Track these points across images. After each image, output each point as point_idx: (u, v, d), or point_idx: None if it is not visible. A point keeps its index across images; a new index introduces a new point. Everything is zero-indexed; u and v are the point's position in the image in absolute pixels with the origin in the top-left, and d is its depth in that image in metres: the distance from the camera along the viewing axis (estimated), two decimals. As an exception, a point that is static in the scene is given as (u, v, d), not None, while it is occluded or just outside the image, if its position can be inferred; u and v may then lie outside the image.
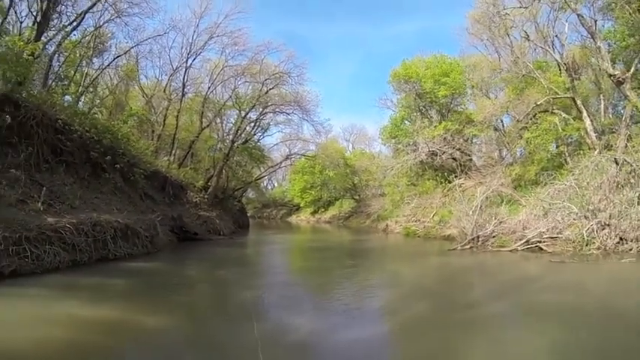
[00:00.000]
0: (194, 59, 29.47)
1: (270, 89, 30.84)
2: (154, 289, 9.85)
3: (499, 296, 8.94)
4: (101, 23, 20.68)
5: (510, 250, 15.00)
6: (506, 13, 23.04)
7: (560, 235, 14.58)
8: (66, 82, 19.91)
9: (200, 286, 10.91)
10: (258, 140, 36.29)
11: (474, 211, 17.32)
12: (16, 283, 8.72)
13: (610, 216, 13.93)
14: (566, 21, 22.76)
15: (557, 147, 22.64)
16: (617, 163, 15.29)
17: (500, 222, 16.72)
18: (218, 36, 28.94)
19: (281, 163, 42.97)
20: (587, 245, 13.66)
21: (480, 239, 16.30)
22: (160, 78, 31.01)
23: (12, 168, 11.87)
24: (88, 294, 8.69)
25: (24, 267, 9.41)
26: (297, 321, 7.08)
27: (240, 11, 29.07)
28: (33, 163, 12.85)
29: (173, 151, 29.39)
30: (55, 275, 9.77)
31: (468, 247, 16.27)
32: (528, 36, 23.39)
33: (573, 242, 14.03)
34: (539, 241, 14.77)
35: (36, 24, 16.28)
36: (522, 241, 15.06)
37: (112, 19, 20.75)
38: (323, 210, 53.44)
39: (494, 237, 16.27)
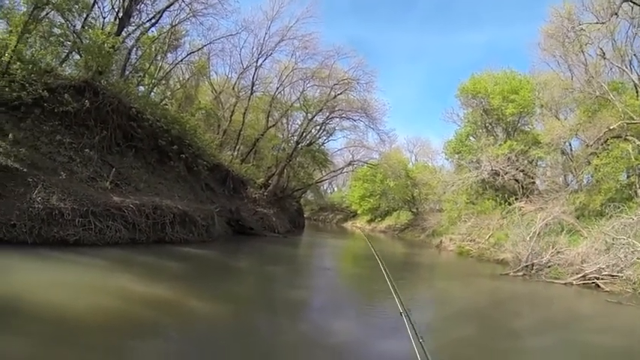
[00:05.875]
0: (264, 60, 30.07)
1: (338, 94, 30.98)
2: (204, 275, 10.28)
3: (546, 330, 8.45)
4: (177, 22, 21.85)
5: (565, 283, 13.94)
6: (582, 29, 21.35)
7: (620, 274, 13.25)
8: (141, 74, 21.14)
9: (249, 278, 11.22)
10: (323, 144, 36.61)
11: (532, 237, 16.35)
12: (78, 251, 9.42)
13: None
14: (646, 38, 21.00)
15: (628, 177, 20.47)
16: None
17: (558, 252, 15.61)
18: (289, 39, 29.41)
19: (343, 168, 42.89)
20: (649, 288, 12.43)
21: (534, 267, 15.36)
22: (229, 75, 31.97)
23: (86, 148, 12.86)
24: (142, 271, 9.15)
25: (87, 238, 10.17)
26: (339, 326, 7.09)
27: (311, 15, 29.40)
28: (105, 145, 13.82)
29: (237, 147, 30.16)
30: (114, 249, 10.40)
31: (520, 273, 15.40)
32: (604, 54, 21.60)
33: (634, 283, 12.72)
34: (597, 278, 13.54)
35: (117, 19, 17.55)
36: (579, 276, 13.91)
37: (188, 18, 21.83)
38: (379, 219, 52.67)
39: (549, 267, 15.18)
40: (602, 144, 20.39)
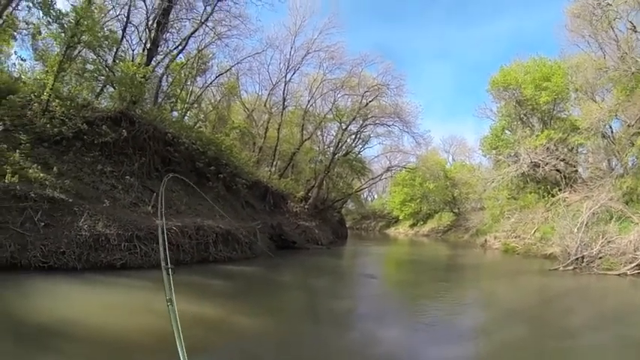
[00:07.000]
0: (293, 74, 30.43)
1: (370, 101, 30.88)
2: (250, 292, 10.26)
3: (600, 326, 7.93)
4: (203, 46, 22.48)
5: (618, 274, 13.18)
6: (608, 4, 20.35)
7: (678, 260, 12.40)
8: (173, 100, 21.80)
9: (295, 292, 11.14)
10: (359, 152, 36.58)
11: (579, 229, 15.52)
12: (126, 274, 9.61)
13: None
14: (679, 5, 19.58)
15: (679, 155, 19.41)
16: None
17: (609, 241, 14.73)
18: (314, 51, 29.75)
19: (382, 175, 42.72)
20: None
21: (584, 260, 14.54)
22: (260, 93, 32.51)
23: (127, 175, 13.27)
24: (187, 290, 9.07)
25: (133, 261, 10.36)
26: (386, 334, 6.97)
27: (333, 26, 29.63)
28: (145, 171, 14.22)
29: (274, 163, 30.54)
30: (160, 271, 10.39)
31: (570, 267, 14.63)
32: (635, 27, 20.33)
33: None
34: (653, 266, 12.72)
35: (146, 50, 18.25)
36: (633, 265, 13.12)
37: (213, 42, 22.47)
38: (422, 223, 51.93)
39: (600, 258, 14.36)
40: (644, 122, 19.30)
